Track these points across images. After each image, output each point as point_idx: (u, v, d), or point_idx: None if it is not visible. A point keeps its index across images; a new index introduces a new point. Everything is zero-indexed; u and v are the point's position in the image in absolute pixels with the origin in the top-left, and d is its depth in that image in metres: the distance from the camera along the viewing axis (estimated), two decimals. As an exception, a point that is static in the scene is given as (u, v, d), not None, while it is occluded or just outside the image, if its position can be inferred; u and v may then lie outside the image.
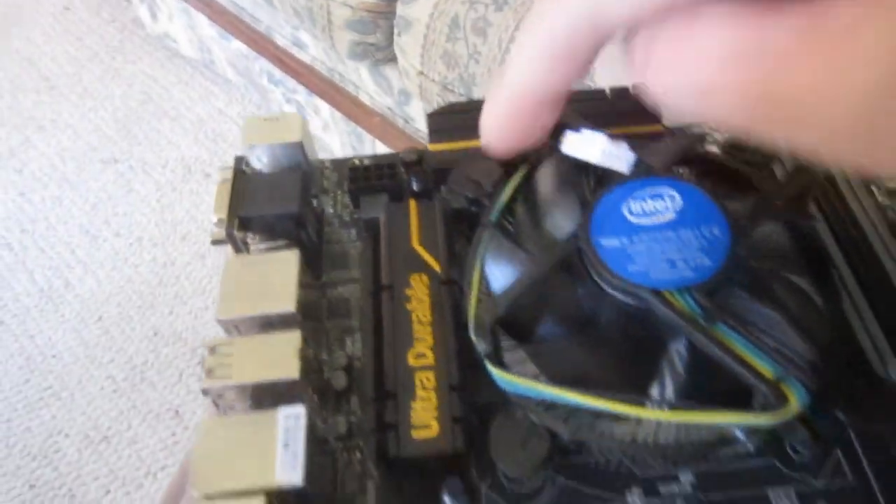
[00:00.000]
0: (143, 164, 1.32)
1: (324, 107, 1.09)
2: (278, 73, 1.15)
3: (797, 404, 0.19)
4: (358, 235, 0.35)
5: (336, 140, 1.15)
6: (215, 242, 0.30)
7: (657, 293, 0.22)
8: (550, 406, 0.24)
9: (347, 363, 0.30)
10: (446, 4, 0.74)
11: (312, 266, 0.33)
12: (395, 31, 0.80)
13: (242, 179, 0.31)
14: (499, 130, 0.23)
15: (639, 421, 0.23)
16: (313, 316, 0.32)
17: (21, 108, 1.43)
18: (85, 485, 1.06)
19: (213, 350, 0.26)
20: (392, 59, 0.87)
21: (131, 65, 1.45)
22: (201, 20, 1.23)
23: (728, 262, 0.22)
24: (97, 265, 1.22)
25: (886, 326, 0.28)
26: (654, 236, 0.23)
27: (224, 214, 0.30)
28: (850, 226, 0.32)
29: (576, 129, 0.25)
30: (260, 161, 0.33)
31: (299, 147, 0.33)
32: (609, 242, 0.23)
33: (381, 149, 1.00)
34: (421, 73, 0.78)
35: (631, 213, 0.24)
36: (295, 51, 1.08)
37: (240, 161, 0.32)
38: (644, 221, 0.24)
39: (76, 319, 1.18)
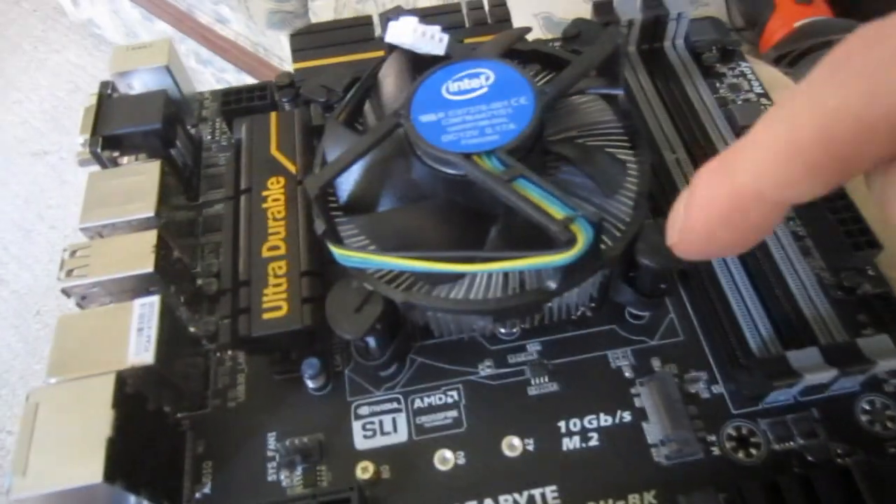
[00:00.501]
0: (74, 154, 1.30)
1: (252, 82, 1.09)
2: (205, 53, 1.15)
3: (585, 240, 0.21)
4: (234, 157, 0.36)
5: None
6: (82, 163, 0.31)
7: (466, 156, 0.24)
8: (390, 278, 0.26)
9: (218, 271, 0.31)
10: (353, -35, 0.75)
11: (189, 187, 0.34)
12: (308, -4, 0.80)
13: (108, 102, 0.32)
14: (704, 231, 0.17)
15: (470, 282, 0.25)
16: (188, 233, 0.33)
17: (-56, 105, 1.40)
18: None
19: (72, 252, 0.27)
20: (309, 27, 0.87)
21: (56, 54, 1.43)
22: (124, 3, 1.22)
23: (531, 125, 0.24)
24: (32, 259, 1.21)
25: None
26: (468, 110, 0.25)
27: (88, 134, 0.31)
28: (689, 114, 0.34)
29: (395, 18, 0.27)
30: (130, 87, 0.34)
31: (166, 71, 0.34)
32: (427, 118, 0.25)
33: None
34: (335, 35, 0.79)
35: (449, 91, 0.26)
36: (218, 27, 1.08)
37: (105, 85, 0.33)
38: (459, 98, 0.25)
39: (14, 316, 1.16)
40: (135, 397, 0.24)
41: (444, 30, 0.27)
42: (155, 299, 0.26)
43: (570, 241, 0.22)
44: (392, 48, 0.29)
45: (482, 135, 0.24)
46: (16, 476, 0.21)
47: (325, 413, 0.28)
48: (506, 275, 0.25)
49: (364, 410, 0.28)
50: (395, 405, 0.28)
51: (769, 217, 0.16)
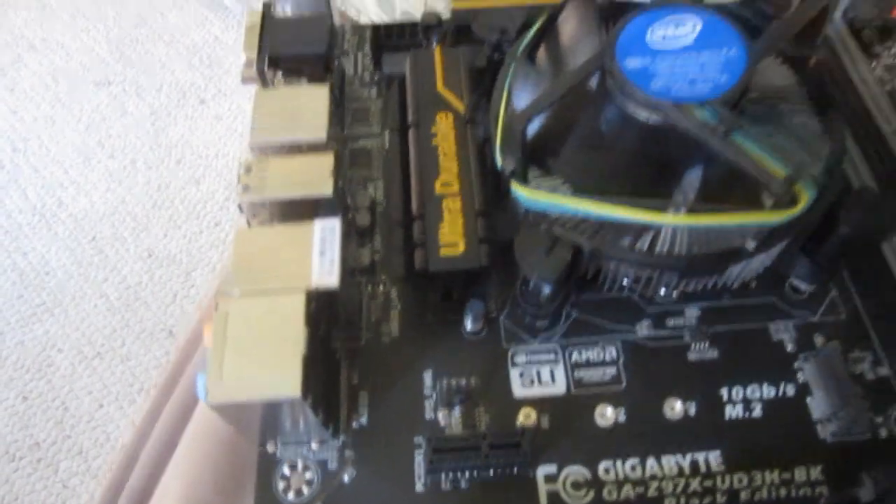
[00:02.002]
0: (136, 87, 1.30)
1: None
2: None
3: (807, 200, 0.21)
4: (378, 93, 0.35)
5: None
6: (245, 80, 0.31)
7: (678, 106, 0.23)
8: (574, 225, 0.25)
9: (370, 204, 0.31)
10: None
11: (336, 118, 0.34)
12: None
13: (271, 22, 0.32)
14: None
15: (655, 235, 0.25)
16: (338, 162, 0.33)
17: (12, 25, 1.40)
18: (78, 398, 1.07)
19: (248, 168, 0.27)
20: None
21: (125, -15, 1.42)
22: (198, -61, 1.21)
23: (744, 77, 0.23)
24: (91, 186, 1.22)
25: (876, 172, 0.30)
26: (676, 58, 0.24)
27: (254, 53, 0.31)
28: (849, 91, 0.33)
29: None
30: (284, 10, 0.34)
31: (324, -1, 0.33)
32: (633, 63, 0.24)
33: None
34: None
35: (654, 37, 0.25)
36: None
37: (267, 7, 0.33)
38: (666, 45, 0.25)
39: (69, 238, 1.18)
40: (315, 319, 0.24)
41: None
42: (336, 222, 0.25)
43: (792, 201, 0.21)
44: (578, -8, 0.28)
45: (693, 84, 0.24)
46: (212, 381, 0.21)
47: (481, 357, 0.28)
48: (691, 231, 0.24)
49: (521, 358, 0.28)
50: (552, 356, 0.28)
51: None
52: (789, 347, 0.28)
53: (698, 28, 0.25)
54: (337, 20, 0.38)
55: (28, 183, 1.21)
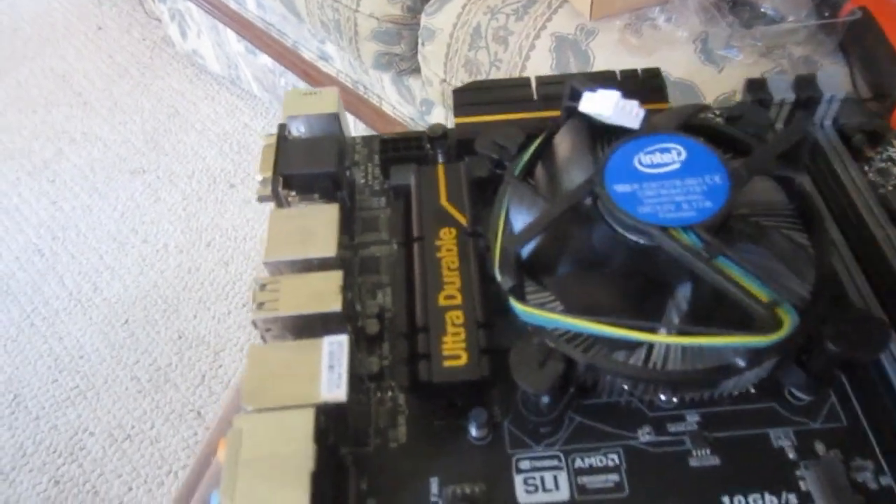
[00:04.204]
0: (170, 174, 1.37)
1: (348, 118, 1.14)
2: (304, 87, 1.19)
3: (790, 325, 0.22)
4: (387, 202, 0.38)
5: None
6: (261, 199, 0.33)
7: (665, 230, 0.24)
8: (569, 338, 0.26)
9: (379, 312, 0.33)
10: (469, 15, 0.78)
11: (346, 227, 0.36)
12: (420, 41, 0.83)
13: (285, 143, 0.34)
14: None
15: (649, 349, 0.26)
16: (347, 272, 0.35)
17: (54, 121, 1.49)
18: (108, 482, 1.08)
19: (262, 286, 0.29)
20: (415, 70, 0.90)
21: (160, 80, 1.51)
22: (230, 36, 1.28)
23: (727, 204, 0.25)
24: (125, 270, 1.26)
25: (873, 282, 0.31)
26: (662, 183, 0.26)
27: (269, 173, 0.33)
28: (842, 196, 0.34)
29: (592, 89, 0.28)
30: (298, 130, 0.36)
31: (335, 118, 0.36)
32: (622, 188, 0.26)
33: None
34: (444, 80, 0.82)
35: (641, 163, 0.27)
36: (321, 64, 1.13)
37: (282, 128, 0.35)
38: (653, 171, 0.26)
39: (103, 322, 1.21)
40: (322, 432, 0.25)
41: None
42: (344, 339, 0.27)
43: (775, 325, 0.22)
44: (569, 115, 0.30)
45: (678, 209, 0.25)
46: (225, 501, 0.23)
47: (486, 463, 0.28)
48: (684, 347, 0.25)
49: (525, 465, 0.28)
50: (555, 462, 0.28)
51: None
52: (790, 455, 0.28)
53: (683, 156, 0.26)
54: (347, 132, 0.40)
55: (65, 270, 1.26)
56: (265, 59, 1.24)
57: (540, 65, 0.71)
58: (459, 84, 0.80)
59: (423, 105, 0.94)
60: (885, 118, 0.59)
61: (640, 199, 0.25)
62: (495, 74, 0.76)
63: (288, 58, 1.18)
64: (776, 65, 0.63)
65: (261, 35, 1.20)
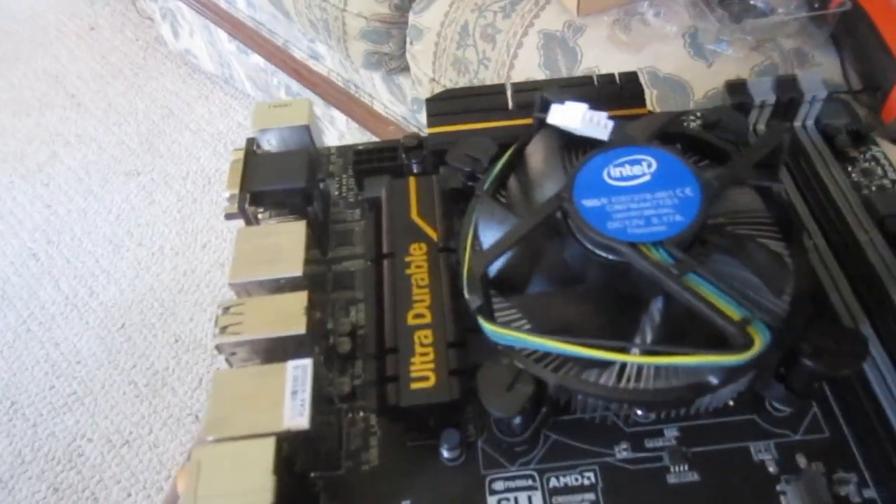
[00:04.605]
0: (164, 176, 1.36)
1: (340, 117, 1.12)
2: (296, 86, 1.18)
3: (762, 343, 0.21)
4: (362, 215, 0.37)
5: (351, 149, 1.18)
6: (228, 216, 0.33)
7: (633, 245, 0.24)
8: (539, 357, 0.26)
9: (351, 330, 0.32)
10: (456, 13, 0.77)
11: (319, 242, 0.35)
12: (408, 40, 0.82)
13: (253, 158, 0.33)
14: None
15: (621, 369, 0.25)
16: (320, 288, 0.34)
17: (48, 124, 1.48)
18: (107, 488, 1.08)
19: (225, 309, 0.28)
20: (405, 69, 0.89)
21: (154, 81, 1.50)
22: (221, 35, 1.27)
23: (698, 218, 0.24)
24: (120, 274, 1.26)
25: (856, 288, 0.30)
26: (632, 197, 0.25)
27: (237, 189, 0.32)
28: (824, 199, 0.33)
29: (560, 101, 0.27)
30: (269, 144, 0.36)
31: (306, 130, 0.35)
32: (590, 203, 0.25)
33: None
34: (433, 79, 0.81)
35: (610, 176, 0.26)
36: (312, 63, 1.12)
37: (251, 142, 0.35)
38: (622, 184, 0.25)
39: (100, 326, 1.21)
40: (287, 460, 0.24)
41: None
42: (307, 362, 0.26)
43: (747, 344, 0.21)
44: (541, 125, 0.30)
45: (648, 224, 0.24)
46: (181, 536, 0.22)
47: (460, 484, 0.28)
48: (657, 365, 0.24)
49: (499, 486, 0.28)
50: (529, 482, 0.28)
51: None
52: (771, 469, 0.27)
53: (653, 167, 0.26)
54: (321, 142, 0.40)
55: (61, 274, 1.25)
56: (257, 59, 1.23)
57: (528, 62, 0.70)
58: (448, 82, 0.79)
59: (415, 104, 0.94)
60: (877, 110, 0.58)
61: (610, 214, 0.25)
62: (483, 72, 0.75)
63: (279, 57, 1.17)
64: (766, 58, 0.62)
65: (252, 34, 1.19)
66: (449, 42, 0.78)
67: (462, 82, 0.78)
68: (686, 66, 0.63)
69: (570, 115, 0.27)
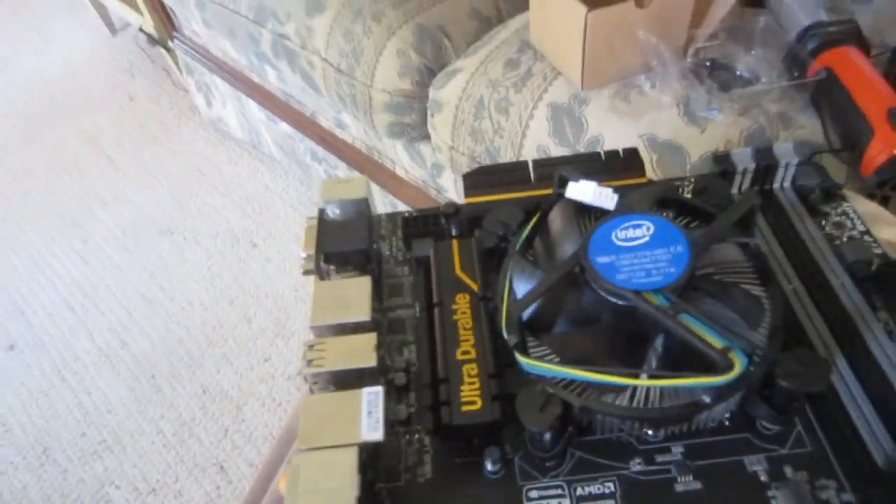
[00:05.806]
0: (195, 234, 1.44)
1: (362, 180, 1.21)
2: (321, 152, 1.27)
3: (741, 366, 0.27)
4: (410, 271, 0.44)
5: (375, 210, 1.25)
6: (306, 273, 0.39)
7: (638, 293, 0.30)
8: (566, 384, 0.32)
9: (405, 366, 0.38)
10: (473, 88, 0.85)
11: (376, 294, 0.42)
12: (429, 112, 0.90)
13: (324, 225, 0.41)
14: None
15: (633, 392, 0.31)
16: (379, 332, 0.40)
17: (86, 184, 1.58)
18: (134, 534, 1.11)
19: (310, 346, 0.34)
20: (425, 137, 0.97)
21: (187, 146, 1.60)
22: (252, 105, 1.37)
23: (688, 269, 0.31)
24: (151, 327, 1.32)
25: (830, 324, 0.36)
26: (635, 254, 0.32)
27: (312, 251, 0.39)
28: (801, 249, 0.40)
29: (575, 179, 0.34)
30: (334, 213, 0.43)
31: (365, 202, 0.42)
32: (602, 259, 0.32)
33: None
34: (452, 147, 0.89)
35: (618, 238, 0.33)
36: (337, 131, 1.20)
37: (321, 212, 0.42)
38: (627, 244, 0.32)
39: (130, 377, 1.27)
40: (364, 467, 0.31)
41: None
42: (379, 389, 0.33)
43: (728, 367, 0.27)
44: (559, 197, 0.37)
45: (648, 275, 0.31)
46: (288, 524, 0.28)
47: (501, 494, 0.34)
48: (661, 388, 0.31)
49: (534, 494, 0.33)
50: (559, 491, 0.33)
51: None
52: (763, 478, 0.33)
53: (651, 230, 0.32)
54: (375, 209, 0.47)
55: (95, 326, 1.32)
56: (285, 127, 1.32)
57: (539, 131, 0.78)
58: (466, 150, 0.87)
59: (434, 169, 1.01)
60: (855, 166, 0.64)
61: (618, 268, 0.31)
62: (498, 141, 0.83)
63: (306, 126, 1.26)
64: (754, 122, 0.67)
65: (281, 105, 1.28)
66: (466, 114, 0.86)
67: (479, 150, 0.86)
68: (681, 131, 0.69)
69: (583, 191, 0.34)
